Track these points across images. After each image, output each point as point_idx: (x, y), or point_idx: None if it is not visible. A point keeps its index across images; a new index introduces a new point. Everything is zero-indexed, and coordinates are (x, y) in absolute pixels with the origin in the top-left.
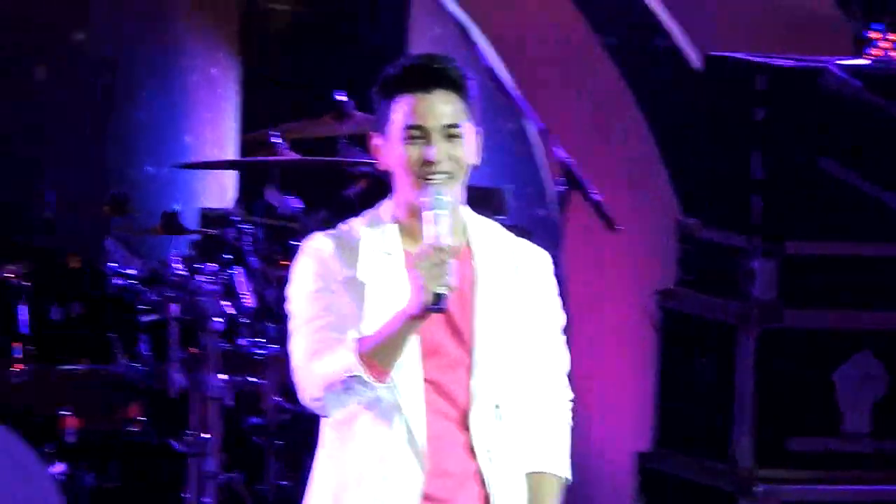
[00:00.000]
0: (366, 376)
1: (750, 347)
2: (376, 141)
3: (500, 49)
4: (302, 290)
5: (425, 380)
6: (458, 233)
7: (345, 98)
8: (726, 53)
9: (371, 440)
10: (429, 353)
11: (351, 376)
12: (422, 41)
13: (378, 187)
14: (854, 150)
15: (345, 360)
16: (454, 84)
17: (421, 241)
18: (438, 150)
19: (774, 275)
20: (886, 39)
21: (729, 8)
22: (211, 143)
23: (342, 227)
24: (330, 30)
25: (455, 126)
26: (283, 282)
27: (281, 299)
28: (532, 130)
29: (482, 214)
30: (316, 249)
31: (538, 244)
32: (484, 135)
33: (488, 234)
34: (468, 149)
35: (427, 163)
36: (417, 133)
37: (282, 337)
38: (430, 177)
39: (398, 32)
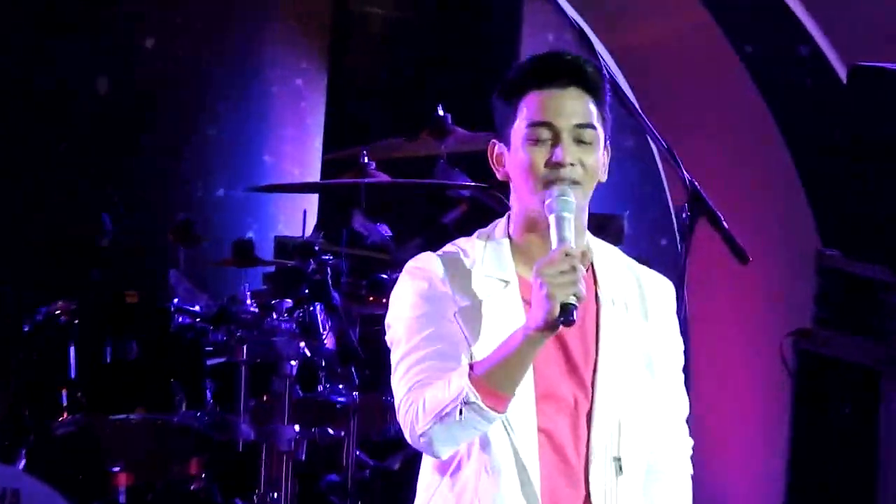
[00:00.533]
0: (481, 402)
1: None
2: (496, 149)
3: (621, 58)
4: (406, 315)
5: (539, 428)
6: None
7: (443, 113)
8: (876, 63)
9: (480, 491)
10: (543, 396)
11: (465, 403)
12: (535, 50)
13: (479, 213)
14: None
15: (457, 385)
16: (589, 83)
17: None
18: (568, 152)
19: None
20: None
21: (880, 10)
22: (292, 163)
23: (450, 247)
24: (430, 37)
25: (588, 127)
26: (368, 321)
27: (367, 339)
28: (654, 149)
29: None
30: (422, 270)
31: None
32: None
33: (612, 260)
34: (599, 158)
35: (555, 164)
36: (545, 133)
37: (365, 384)
38: (555, 181)
39: (509, 40)
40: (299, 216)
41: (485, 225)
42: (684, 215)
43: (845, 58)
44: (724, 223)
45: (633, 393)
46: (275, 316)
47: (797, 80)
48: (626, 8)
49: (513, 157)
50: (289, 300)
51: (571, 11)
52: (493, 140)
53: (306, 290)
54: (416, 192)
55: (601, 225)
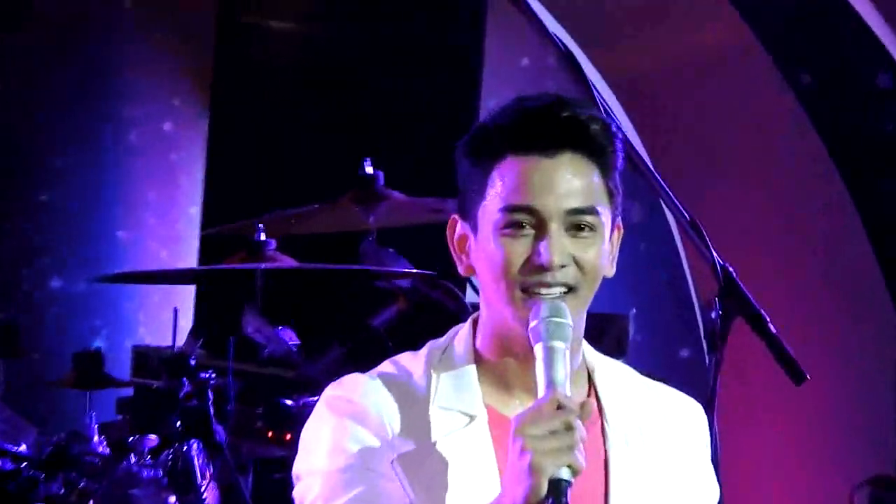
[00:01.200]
0: None
1: None
2: (459, 229)
3: (622, 88)
4: (323, 468)
5: None
6: (581, 382)
7: (372, 170)
8: None
9: None
10: None
11: None
12: (503, 76)
13: (423, 313)
14: None
15: None
16: (593, 146)
17: (520, 393)
18: (556, 248)
19: None
20: None
21: None
22: (158, 241)
23: (388, 366)
24: (353, 62)
25: (589, 212)
26: (266, 466)
27: (265, 492)
28: (671, 220)
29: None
30: (349, 402)
31: None
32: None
33: (621, 382)
34: (603, 251)
35: (537, 268)
36: (524, 218)
37: None
38: (540, 290)
39: (467, 63)
40: (168, 317)
41: (437, 333)
42: (714, 315)
43: None
44: (771, 326)
45: None
46: (133, 459)
47: (873, 120)
48: (629, 21)
49: (480, 246)
50: (153, 436)
51: (552, 23)
52: (455, 216)
53: (178, 423)
54: (333, 282)
55: (596, 329)
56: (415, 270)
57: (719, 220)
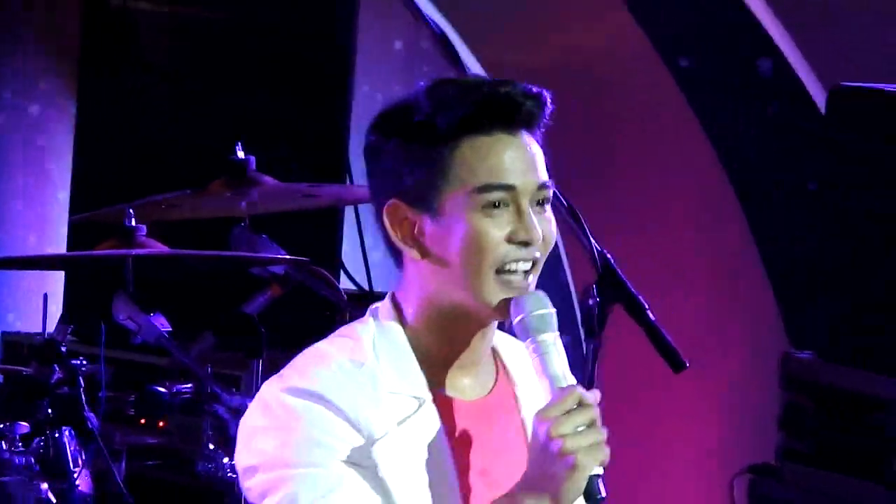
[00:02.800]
0: None
1: None
2: (404, 214)
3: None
4: (293, 462)
5: None
6: (489, 358)
7: (244, 155)
8: (868, 84)
9: None
10: None
11: None
12: (376, 58)
13: (298, 299)
14: None
15: None
16: (541, 121)
17: (463, 372)
18: (535, 224)
19: None
20: None
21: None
22: (24, 227)
23: (338, 355)
24: (225, 44)
25: (549, 187)
26: (139, 453)
27: (139, 480)
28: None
29: None
30: (318, 395)
31: None
32: None
33: (518, 354)
34: (554, 224)
35: (518, 243)
36: (502, 197)
37: None
38: (513, 267)
39: (339, 47)
40: (38, 304)
41: (310, 320)
42: (591, 302)
43: (821, 76)
44: (650, 313)
45: None
46: (4, 446)
47: (754, 105)
48: (505, 10)
49: (447, 229)
50: (24, 424)
51: (426, 6)
52: (395, 201)
53: (49, 410)
54: (205, 268)
55: None
56: (288, 257)
57: (597, 207)
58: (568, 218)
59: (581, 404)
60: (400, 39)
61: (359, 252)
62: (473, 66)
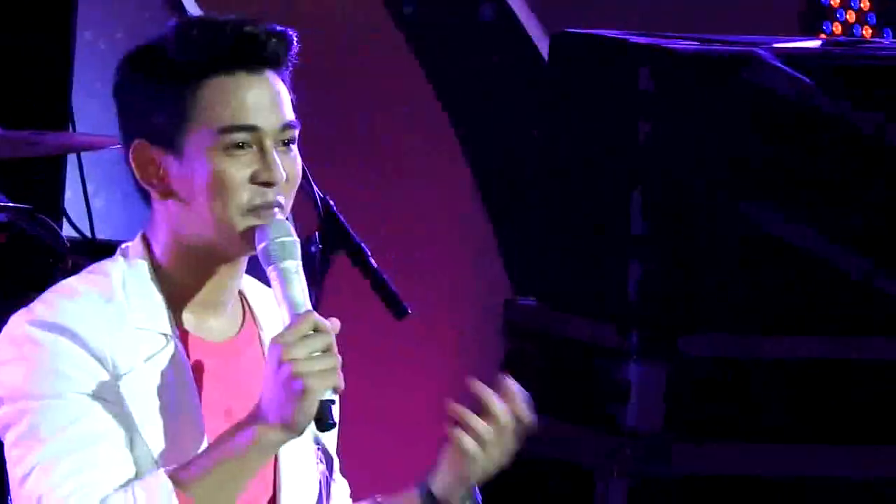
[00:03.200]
0: None
1: (618, 501)
2: (150, 154)
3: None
4: (36, 393)
5: None
6: (237, 309)
7: None
8: (590, 31)
9: None
10: None
11: None
12: (96, 5)
13: (23, 247)
14: (794, 186)
15: None
16: (286, 62)
17: (210, 312)
18: (278, 165)
19: (661, 390)
20: (851, 9)
21: None
22: None
23: (85, 288)
24: None
25: (294, 127)
26: None
27: None
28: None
29: None
30: (63, 327)
31: None
32: None
33: (261, 295)
34: (300, 164)
35: (262, 184)
36: (244, 138)
37: None
38: (260, 209)
39: None
40: None
41: (33, 268)
42: (314, 249)
43: (544, 18)
44: (372, 260)
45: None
46: None
47: (475, 49)
48: None
49: (191, 169)
50: None
51: None
52: (140, 141)
53: None
54: None
55: None
56: (10, 204)
57: (322, 153)
58: None
59: (317, 330)
60: None
61: (81, 199)
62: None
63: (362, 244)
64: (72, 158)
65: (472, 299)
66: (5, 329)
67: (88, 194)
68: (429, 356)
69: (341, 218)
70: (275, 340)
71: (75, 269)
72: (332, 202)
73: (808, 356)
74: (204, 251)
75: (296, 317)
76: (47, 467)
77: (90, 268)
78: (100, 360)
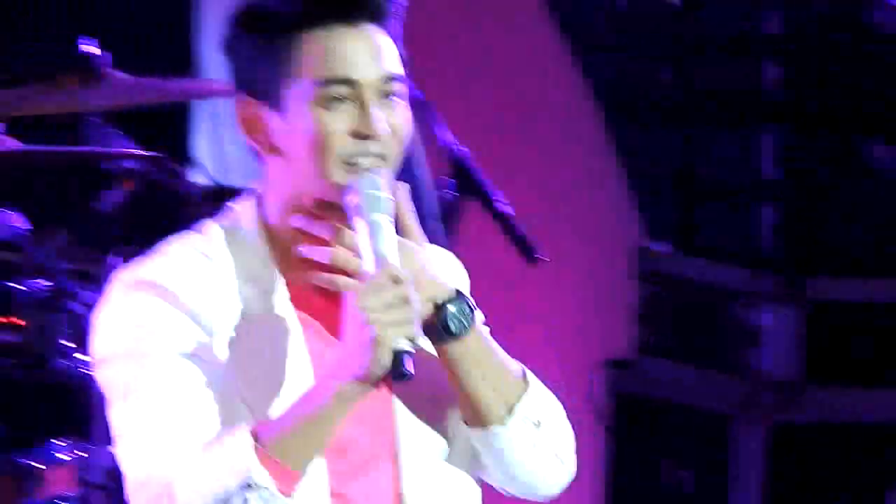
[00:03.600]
0: (274, 487)
1: (755, 448)
2: (254, 111)
3: None
4: (138, 351)
5: (332, 493)
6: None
7: (94, 49)
8: None
9: None
10: (332, 451)
11: (247, 487)
12: None
13: (152, 195)
14: None
15: (236, 460)
16: (388, 15)
17: (319, 272)
18: (378, 117)
19: (794, 335)
20: None
21: None
22: None
23: (180, 246)
24: None
25: (399, 80)
26: None
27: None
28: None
29: None
30: (156, 285)
31: None
32: None
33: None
34: (408, 117)
35: (361, 137)
36: (343, 91)
37: None
38: (360, 160)
39: None
40: None
41: (164, 215)
42: (448, 195)
43: None
44: (504, 206)
45: (446, 430)
46: None
47: (605, 6)
48: None
49: (292, 124)
50: None
51: None
52: (246, 97)
53: None
54: (57, 164)
55: None
56: (140, 152)
57: (452, 103)
58: (422, 113)
59: (395, 281)
60: None
61: (212, 146)
62: None
63: (495, 190)
64: (203, 104)
65: (605, 245)
66: (107, 287)
67: (219, 141)
68: (561, 301)
69: (474, 165)
70: (355, 290)
71: (205, 217)
72: (465, 151)
73: None
74: (308, 207)
75: (382, 268)
76: (138, 424)
77: (196, 225)
78: (193, 318)
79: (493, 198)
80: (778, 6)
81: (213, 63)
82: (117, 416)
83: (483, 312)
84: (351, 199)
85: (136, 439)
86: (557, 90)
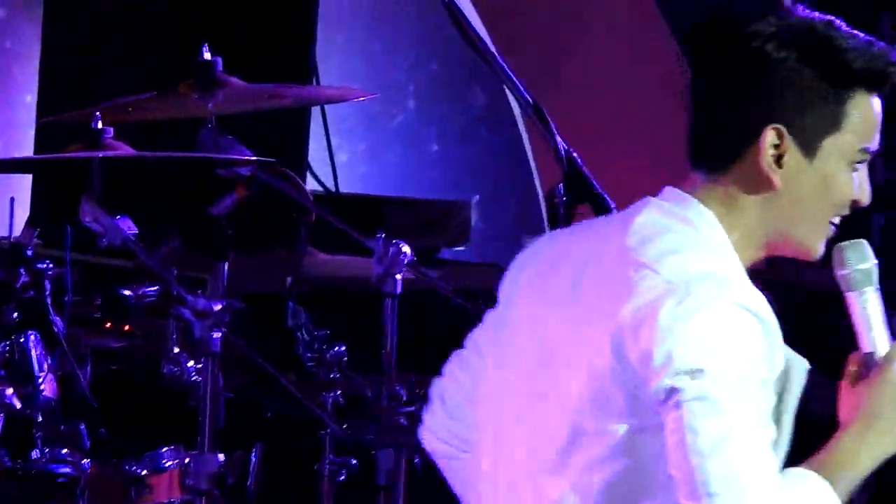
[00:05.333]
0: None
1: None
2: (783, 143)
3: None
4: (742, 374)
5: None
6: None
7: (210, 56)
8: None
9: None
10: None
11: None
12: None
13: (264, 200)
14: None
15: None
16: None
17: None
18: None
19: None
20: None
21: None
22: None
23: (733, 275)
24: None
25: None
26: (104, 357)
27: (103, 383)
28: (516, 108)
29: (425, 241)
30: (758, 316)
31: None
32: (441, 111)
33: None
34: None
35: (853, 204)
36: (866, 159)
37: (99, 447)
38: (835, 224)
39: None
40: (4, 207)
41: (276, 222)
42: (558, 201)
43: None
44: (615, 211)
45: None
46: None
47: None
48: None
49: (817, 171)
50: None
51: None
52: (776, 126)
53: (14, 314)
54: (171, 170)
55: (439, 216)
56: (254, 158)
57: (563, 107)
58: (534, 117)
59: None
60: None
61: (325, 153)
62: None
63: (606, 197)
64: (315, 112)
65: None
66: (695, 297)
67: (332, 148)
68: None
69: (585, 171)
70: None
71: (318, 223)
72: (575, 155)
73: None
74: (780, 245)
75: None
76: (736, 439)
77: (700, 251)
78: (769, 355)
79: (608, 203)
80: None
81: (329, 69)
82: (709, 431)
83: None
84: (843, 273)
85: (738, 454)
86: (676, 100)
